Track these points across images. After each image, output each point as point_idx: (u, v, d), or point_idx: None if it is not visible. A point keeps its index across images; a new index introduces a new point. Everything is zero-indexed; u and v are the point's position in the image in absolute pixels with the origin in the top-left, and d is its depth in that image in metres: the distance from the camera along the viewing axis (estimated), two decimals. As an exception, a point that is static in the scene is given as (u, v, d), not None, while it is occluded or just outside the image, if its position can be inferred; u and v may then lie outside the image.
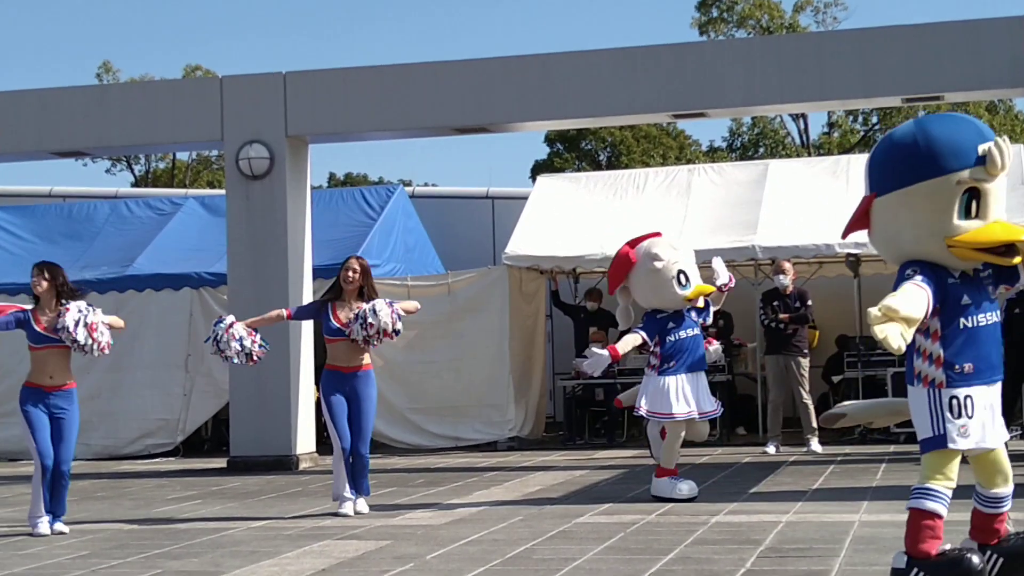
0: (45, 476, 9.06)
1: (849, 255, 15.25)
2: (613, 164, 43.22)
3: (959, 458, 5.65)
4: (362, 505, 9.74)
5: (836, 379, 16.32)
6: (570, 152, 47.13)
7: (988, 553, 5.89)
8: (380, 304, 9.57)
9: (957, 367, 5.55)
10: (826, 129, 44.87)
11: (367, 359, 9.86)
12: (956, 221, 5.55)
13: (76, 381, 9.46)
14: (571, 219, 16.95)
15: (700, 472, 12.08)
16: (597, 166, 44.58)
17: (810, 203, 16.25)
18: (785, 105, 16.15)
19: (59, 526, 9.14)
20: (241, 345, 9.70)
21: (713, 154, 46.28)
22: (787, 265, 14.43)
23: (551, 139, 47.49)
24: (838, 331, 16.83)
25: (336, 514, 9.59)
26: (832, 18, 43.87)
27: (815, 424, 14.03)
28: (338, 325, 9.64)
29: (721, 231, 15.90)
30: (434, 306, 16.04)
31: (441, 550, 7.77)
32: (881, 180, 5.74)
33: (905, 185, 5.61)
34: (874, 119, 42.82)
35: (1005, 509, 5.86)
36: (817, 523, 8.35)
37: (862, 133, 43.52)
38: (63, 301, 9.18)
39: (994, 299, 5.75)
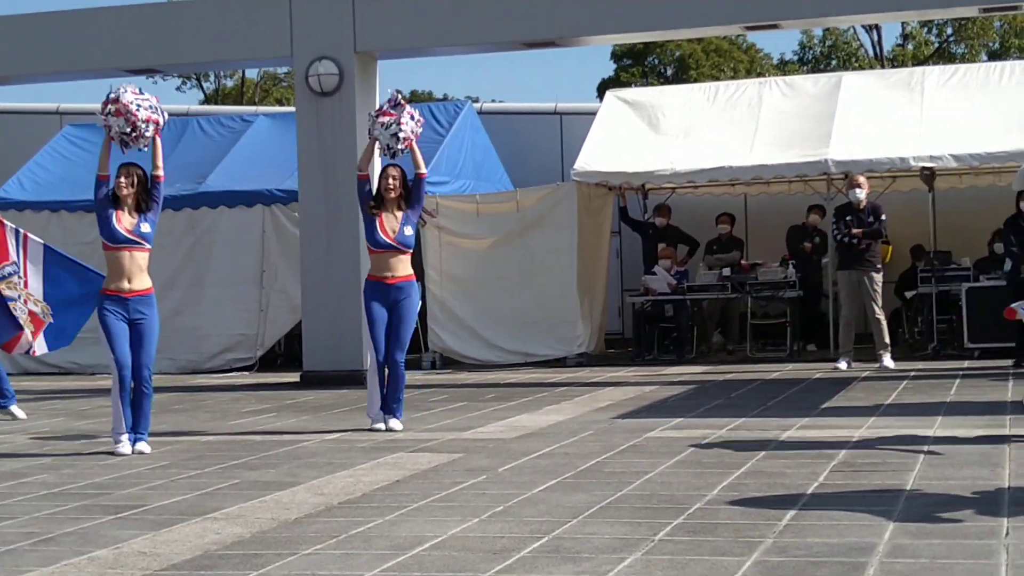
0: (124, 389, 8.79)
1: (924, 169, 15.01)
2: (681, 79, 42.71)
3: None
4: (395, 424, 9.76)
5: (909, 295, 16.15)
6: (637, 67, 46.65)
7: None
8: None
9: None
10: (900, 41, 44.02)
11: (410, 269, 9.88)
12: None
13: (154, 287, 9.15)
14: (639, 135, 16.82)
15: (771, 387, 12.06)
16: (665, 81, 44.14)
17: (884, 116, 16.02)
18: (860, 16, 15.86)
19: (141, 445, 8.85)
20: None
21: (784, 67, 45.62)
22: (861, 179, 14.23)
23: (617, 55, 47.04)
24: (912, 246, 16.61)
25: (371, 429, 9.67)
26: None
27: (887, 340, 13.92)
28: (385, 238, 9.65)
29: (793, 145, 15.72)
30: (503, 222, 16.08)
31: (513, 463, 7.83)
32: None
33: None
34: (948, 30, 41.93)
35: None
36: (891, 437, 8.31)
37: (937, 45, 42.68)
38: (144, 203, 8.98)
39: None
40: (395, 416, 9.79)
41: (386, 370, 9.78)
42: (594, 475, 7.25)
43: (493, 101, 40.48)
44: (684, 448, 8.13)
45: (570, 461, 7.79)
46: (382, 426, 9.72)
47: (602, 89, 42.18)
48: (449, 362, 16.20)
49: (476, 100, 35.89)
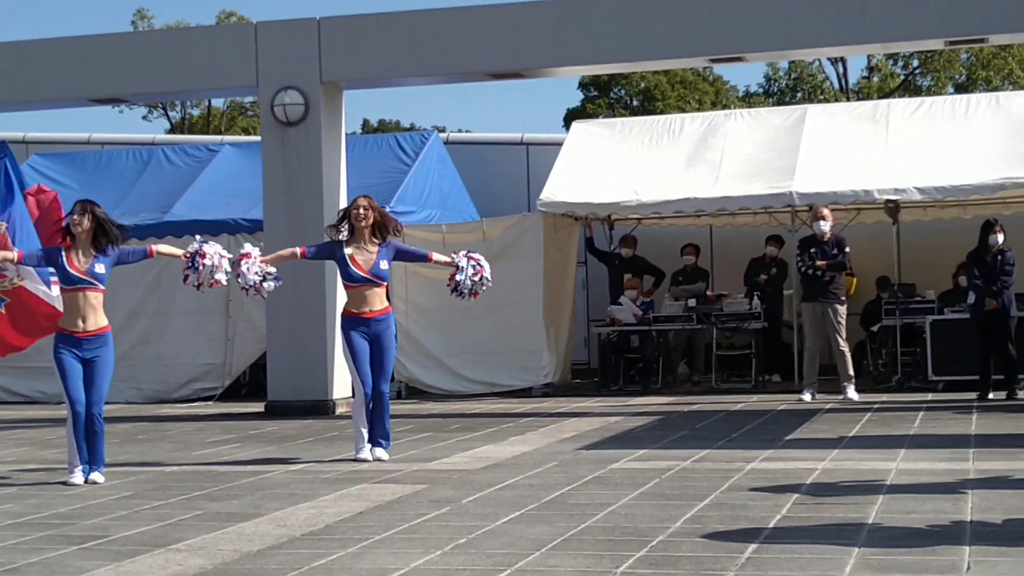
0: (77, 424, 8.84)
1: (888, 201, 15.12)
2: (647, 111, 42.94)
3: None
4: (381, 453, 9.72)
5: (874, 328, 16.24)
6: (603, 98, 46.88)
7: None
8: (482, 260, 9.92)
9: None
10: (865, 73, 44.40)
11: (387, 302, 9.87)
12: None
13: (111, 325, 9.19)
14: (606, 165, 16.87)
15: (735, 419, 12.08)
16: (631, 112, 44.35)
17: (848, 149, 16.12)
18: (824, 49, 15.92)
19: (95, 476, 8.89)
20: (249, 272, 9.63)
21: (750, 99, 45.91)
22: (825, 211, 14.32)
23: (584, 84, 47.26)
24: (878, 277, 16.70)
25: (356, 459, 9.60)
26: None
27: (851, 372, 13.97)
28: (359, 272, 9.62)
29: (758, 177, 15.80)
30: (470, 252, 16.06)
31: (477, 494, 7.80)
32: None
33: None
34: (915, 63, 42.33)
35: None
36: (854, 470, 8.33)
37: (903, 77, 43.04)
38: (100, 242, 8.95)
39: None
40: (382, 446, 9.76)
41: (371, 402, 9.72)
42: (558, 507, 7.23)
43: (460, 131, 40.63)
44: (648, 480, 8.12)
45: (534, 492, 7.77)
46: (369, 456, 9.66)
47: (569, 120, 42.31)
48: (415, 392, 16.17)
49: (443, 130, 36.01)
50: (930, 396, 13.92)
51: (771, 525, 6.43)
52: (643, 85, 46.25)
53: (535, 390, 15.76)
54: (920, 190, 14.89)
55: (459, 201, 18.48)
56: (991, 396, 13.38)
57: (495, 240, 16.02)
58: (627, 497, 7.45)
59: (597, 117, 38.31)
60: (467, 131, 41.34)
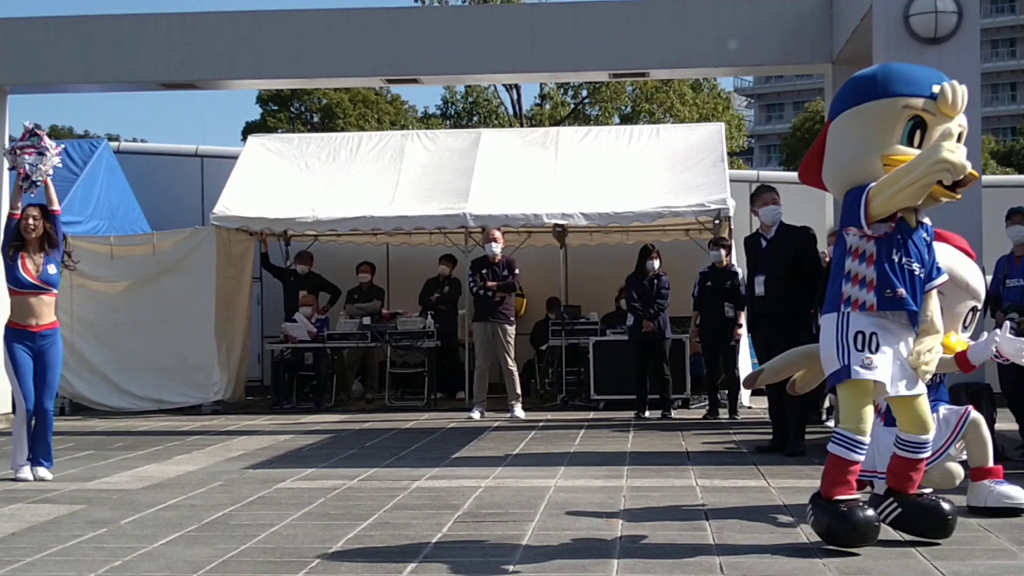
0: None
1: (556, 225, 15.62)
2: (328, 127, 42.84)
3: (871, 400, 6.07)
4: (44, 472, 9.38)
5: (543, 347, 16.71)
6: (283, 112, 46.50)
7: (890, 501, 6.31)
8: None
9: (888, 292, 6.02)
10: (538, 100, 45.68)
11: (55, 316, 9.52)
12: (897, 143, 5.98)
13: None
14: (282, 181, 16.73)
15: (406, 437, 12.19)
16: (312, 128, 44.16)
17: (520, 173, 16.53)
18: (497, 75, 16.40)
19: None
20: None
21: (427, 121, 46.49)
22: (496, 233, 14.66)
23: (264, 99, 46.75)
24: (549, 298, 17.21)
25: (15, 479, 9.20)
26: (548, -9, 44.63)
27: (519, 391, 14.34)
28: (27, 277, 9.26)
29: (433, 198, 16.01)
30: (138, 266, 15.67)
31: (136, 515, 7.58)
32: (837, 106, 6.22)
33: (856, 104, 6.08)
34: (584, 93, 43.86)
35: (923, 455, 6.27)
36: (515, 488, 8.54)
37: (572, 106, 44.52)
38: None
39: None
40: (43, 465, 9.36)
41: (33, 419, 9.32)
42: (219, 528, 7.11)
43: (136, 140, 39.45)
44: (314, 499, 8.09)
45: (196, 513, 7.61)
46: (30, 476, 9.23)
47: (248, 132, 41.76)
48: (79, 408, 15.57)
49: (116, 138, 34.89)
50: (592, 414, 14.44)
51: (432, 543, 6.52)
52: (324, 102, 46.11)
53: (205, 407, 15.45)
54: (585, 215, 15.41)
55: (129, 213, 17.93)
56: (647, 414, 14.01)
57: (166, 254, 15.64)
58: (291, 517, 7.40)
59: (277, 131, 37.99)
60: (143, 140, 40.23)
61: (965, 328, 7.03)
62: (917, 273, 6.10)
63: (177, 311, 15.59)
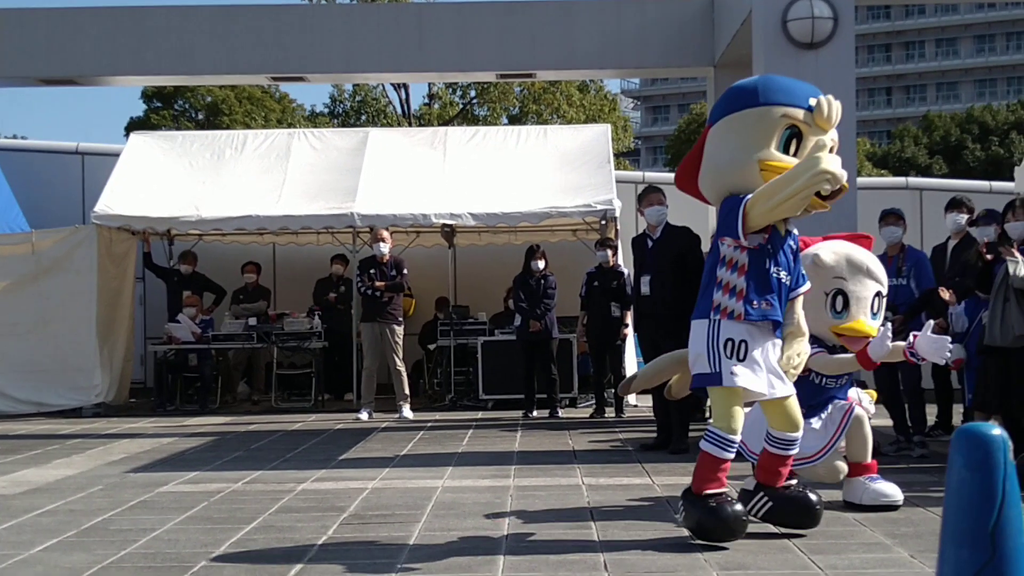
0: None
1: (445, 226, 15.60)
2: (213, 125, 42.32)
3: (740, 401, 6.23)
4: None
5: (432, 347, 16.69)
6: (167, 110, 45.82)
7: (760, 495, 6.49)
8: None
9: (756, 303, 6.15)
10: (427, 100, 45.64)
11: None
12: (773, 149, 6.08)
13: None
14: (165, 179, 16.46)
15: (292, 439, 12.09)
16: (197, 125, 43.58)
17: (409, 173, 16.47)
18: (384, 74, 16.34)
19: None
20: None
21: (315, 119, 46.17)
22: (384, 233, 14.60)
23: (148, 95, 46.03)
24: (438, 298, 17.20)
25: None
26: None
27: (407, 391, 14.30)
28: None
29: (320, 197, 15.87)
30: (17, 266, 15.33)
31: (12, 521, 7.41)
32: (716, 113, 6.32)
33: (735, 111, 6.19)
34: (472, 93, 43.93)
35: (791, 452, 6.47)
36: (402, 489, 8.51)
37: (461, 106, 44.56)
38: None
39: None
40: None
41: None
42: (98, 533, 6.97)
43: (15, 137, 38.55)
44: (196, 503, 7.98)
45: (74, 519, 7.46)
46: None
47: (131, 129, 41.09)
48: (-48, 413, 15.17)
49: (-7, 135, 34.07)
50: (480, 414, 14.46)
51: (317, 545, 6.47)
52: (210, 99, 45.53)
53: (86, 410, 15.15)
54: (473, 216, 15.40)
55: (6, 211, 17.49)
56: (535, 414, 14.06)
57: (45, 253, 15.31)
58: (172, 521, 7.29)
59: (161, 129, 37.42)
60: (22, 137, 39.30)
61: (875, 315, 7.21)
62: (784, 281, 6.30)
63: (57, 311, 15.27)
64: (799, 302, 6.49)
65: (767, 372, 6.25)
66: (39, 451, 11.33)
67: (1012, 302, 8.80)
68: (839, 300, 7.11)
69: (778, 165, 6.08)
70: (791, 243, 6.36)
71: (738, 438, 6.25)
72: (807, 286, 6.56)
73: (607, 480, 8.78)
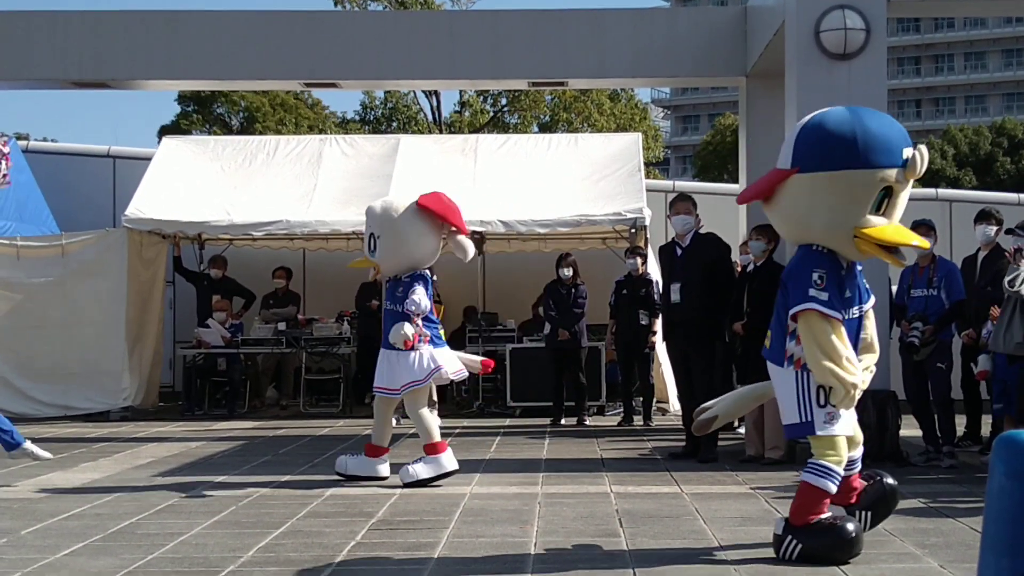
0: None
1: (474, 232, 15.52)
2: (247, 131, 42.43)
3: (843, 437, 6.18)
4: None
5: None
6: (201, 114, 45.99)
7: (857, 513, 6.44)
8: None
9: None
10: (457, 108, 45.65)
11: None
12: (868, 215, 6.01)
13: None
14: (197, 184, 16.49)
15: (320, 444, 12.06)
16: (229, 130, 43.71)
17: (439, 180, 16.35)
18: (416, 81, 16.32)
19: None
20: None
21: (346, 126, 46.24)
22: (414, 240, 14.52)
23: (183, 99, 46.22)
24: (464, 305, 17.16)
25: None
26: (467, -1, 44.66)
27: (435, 398, 14.22)
28: None
29: (351, 203, 15.86)
30: (46, 268, 15.35)
31: (38, 525, 7.40)
32: (808, 158, 6.07)
33: (834, 169, 5.99)
34: (503, 101, 43.92)
35: (856, 470, 6.48)
36: (430, 495, 8.47)
37: (492, 114, 44.56)
38: None
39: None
40: None
41: None
42: (125, 537, 6.96)
43: (46, 140, 38.74)
44: (224, 507, 7.96)
45: (101, 523, 7.45)
46: None
47: (163, 133, 41.25)
48: (-19, 415, 15.19)
49: (25, 137, 34.25)
50: (508, 421, 14.40)
51: (344, 552, 6.44)
52: (244, 105, 45.68)
53: (113, 414, 15.16)
54: (504, 223, 15.36)
55: (38, 213, 17.56)
56: (563, 422, 14.00)
57: (74, 256, 15.34)
58: (200, 526, 7.27)
59: (193, 133, 37.54)
60: (53, 140, 39.50)
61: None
62: (854, 315, 6.29)
63: (85, 314, 15.28)
64: (871, 316, 6.48)
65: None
66: (65, 455, 11.33)
67: (1019, 311, 8.77)
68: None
69: (871, 234, 6.04)
70: (855, 272, 6.36)
71: (842, 470, 6.21)
72: (872, 300, 6.53)
73: (635, 488, 8.72)
